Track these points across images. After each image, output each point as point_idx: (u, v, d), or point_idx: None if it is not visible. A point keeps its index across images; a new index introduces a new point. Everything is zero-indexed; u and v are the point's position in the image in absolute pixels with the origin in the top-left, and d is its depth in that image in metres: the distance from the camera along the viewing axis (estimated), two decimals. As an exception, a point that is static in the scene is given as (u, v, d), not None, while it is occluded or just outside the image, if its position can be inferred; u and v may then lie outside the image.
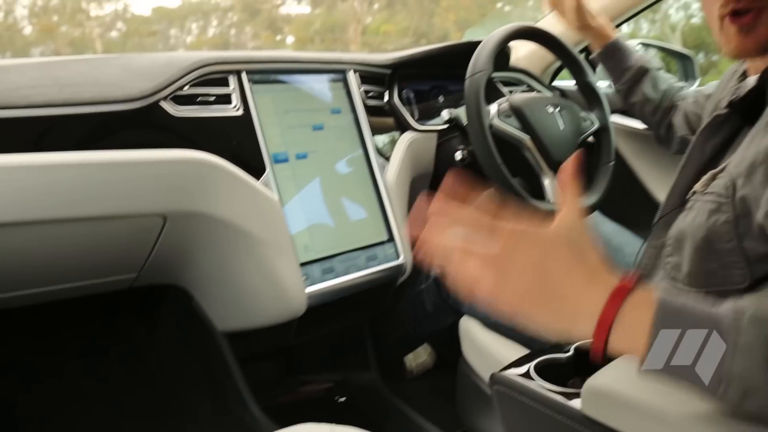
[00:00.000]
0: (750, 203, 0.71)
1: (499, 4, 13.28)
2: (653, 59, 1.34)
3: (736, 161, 0.74)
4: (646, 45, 1.76)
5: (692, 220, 0.79)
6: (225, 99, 1.10)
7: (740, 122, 0.79)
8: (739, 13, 0.77)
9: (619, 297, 0.53)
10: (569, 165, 0.60)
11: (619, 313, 0.53)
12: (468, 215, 0.58)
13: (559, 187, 0.60)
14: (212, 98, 1.08)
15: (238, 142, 1.09)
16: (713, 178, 0.78)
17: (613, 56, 1.34)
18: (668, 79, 1.34)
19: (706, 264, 0.77)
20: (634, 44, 1.68)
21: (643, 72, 1.32)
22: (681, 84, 1.33)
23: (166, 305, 1.30)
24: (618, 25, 1.64)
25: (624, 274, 0.55)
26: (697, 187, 0.80)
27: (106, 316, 1.35)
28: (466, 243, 0.56)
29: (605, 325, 0.53)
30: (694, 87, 1.71)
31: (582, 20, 1.33)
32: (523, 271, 0.55)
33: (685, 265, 0.80)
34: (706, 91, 1.18)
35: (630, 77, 1.33)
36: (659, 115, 1.32)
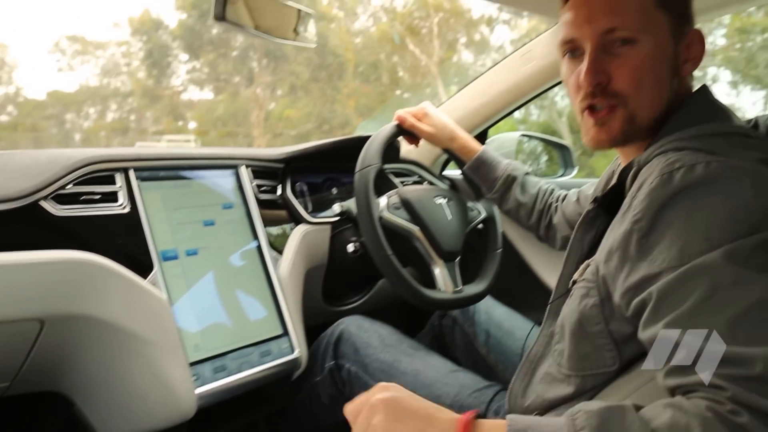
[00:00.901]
0: (609, 286, 0.78)
1: (398, 92, 13.85)
2: (520, 165, 1.38)
3: (600, 249, 0.81)
4: (527, 136, 1.89)
5: (569, 305, 0.85)
6: (111, 197, 1.08)
7: (608, 216, 0.85)
8: (595, 108, 0.87)
9: (466, 427, 0.64)
10: None
11: None
12: None
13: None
14: (97, 197, 1.06)
15: (124, 241, 1.06)
16: (587, 266, 0.84)
17: (480, 169, 1.37)
18: (537, 183, 1.38)
19: (581, 347, 0.83)
20: (516, 135, 1.80)
21: (511, 180, 1.35)
22: (551, 186, 1.38)
23: (44, 415, 1.21)
24: (506, 116, 1.74)
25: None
26: (576, 275, 0.87)
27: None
28: None
29: None
30: (570, 177, 1.84)
31: (441, 145, 1.38)
32: None
33: (566, 350, 0.85)
34: (587, 192, 1.25)
35: (500, 186, 1.35)
36: (535, 218, 1.36)
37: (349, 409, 0.75)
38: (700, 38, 0.88)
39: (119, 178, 1.10)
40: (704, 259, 0.64)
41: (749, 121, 0.92)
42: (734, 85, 10.17)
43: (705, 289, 0.63)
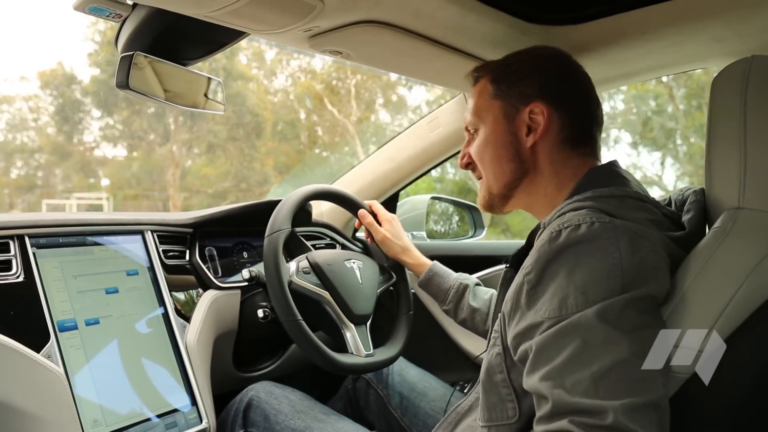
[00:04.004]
0: (505, 333, 0.84)
1: (317, 150, 13.95)
2: (470, 276, 1.42)
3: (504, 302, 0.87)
4: (437, 198, 1.93)
5: (485, 357, 0.90)
6: (4, 266, 1.04)
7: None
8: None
9: None
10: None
11: None
12: None
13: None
14: (-12, 265, 1.02)
15: (17, 311, 1.01)
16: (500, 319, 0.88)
17: (433, 280, 1.40)
18: (488, 290, 1.40)
19: (489, 397, 0.88)
20: (427, 198, 1.84)
21: (463, 288, 1.37)
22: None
23: None
24: (415, 180, 1.78)
25: None
26: (494, 330, 0.91)
27: None
28: None
29: None
30: (479, 237, 1.89)
31: (391, 252, 1.43)
32: None
33: (480, 401, 0.90)
34: None
35: (453, 295, 1.37)
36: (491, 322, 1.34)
37: None
38: (542, 111, 0.97)
39: (13, 246, 1.06)
40: (579, 317, 0.72)
41: (664, 199, 1.01)
42: (634, 145, 10.85)
43: (577, 345, 0.71)
